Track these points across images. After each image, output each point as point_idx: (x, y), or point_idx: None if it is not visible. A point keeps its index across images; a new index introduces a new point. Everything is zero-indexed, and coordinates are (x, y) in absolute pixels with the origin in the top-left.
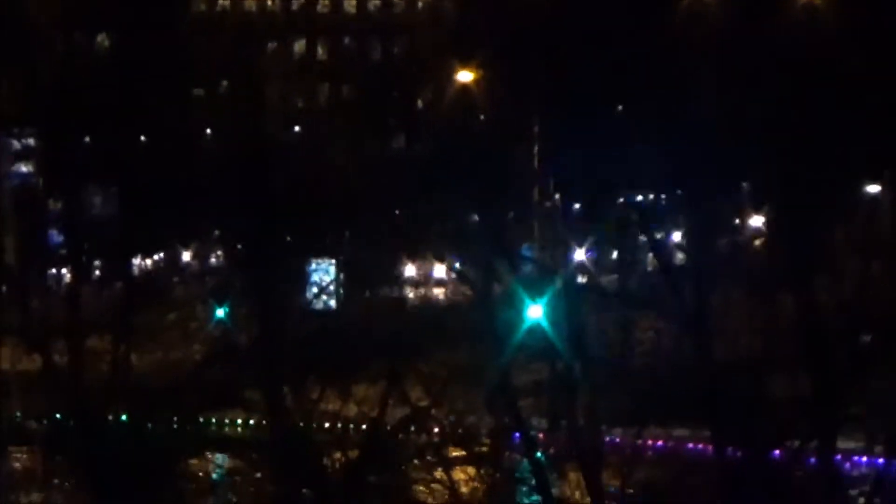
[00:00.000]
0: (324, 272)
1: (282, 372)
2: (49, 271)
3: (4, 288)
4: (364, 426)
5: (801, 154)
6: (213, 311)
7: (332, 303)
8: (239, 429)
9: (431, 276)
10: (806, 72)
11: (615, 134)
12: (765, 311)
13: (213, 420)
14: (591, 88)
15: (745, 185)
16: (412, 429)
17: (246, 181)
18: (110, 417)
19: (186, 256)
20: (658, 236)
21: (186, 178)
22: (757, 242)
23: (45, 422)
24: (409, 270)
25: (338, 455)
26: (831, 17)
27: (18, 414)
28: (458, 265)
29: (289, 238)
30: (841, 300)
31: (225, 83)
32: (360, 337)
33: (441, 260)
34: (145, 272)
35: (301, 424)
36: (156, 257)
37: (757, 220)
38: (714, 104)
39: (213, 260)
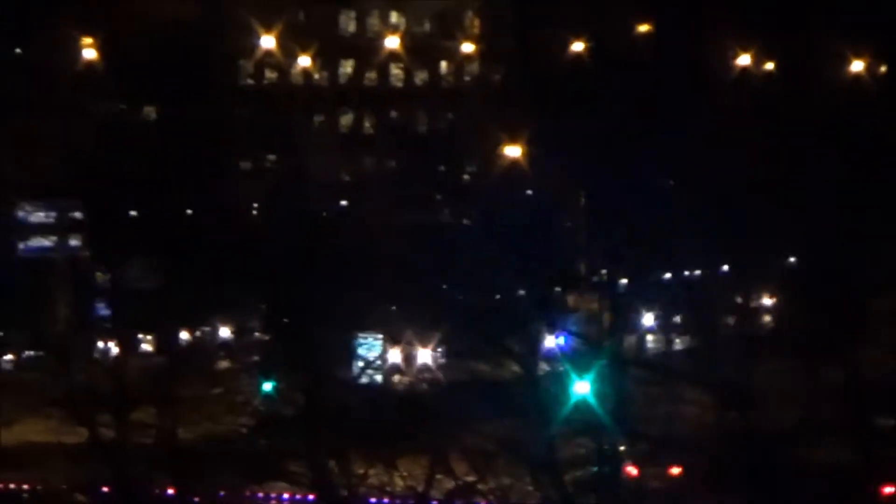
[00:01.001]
0: (371, 347)
1: (327, 444)
2: (95, 343)
3: (51, 360)
4: (410, 501)
5: (846, 224)
6: (259, 384)
7: (378, 377)
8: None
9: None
10: (851, 142)
11: (664, 207)
12: (807, 380)
13: (260, 495)
14: (638, 157)
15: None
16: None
17: (292, 253)
18: (156, 490)
19: (227, 332)
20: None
21: (232, 249)
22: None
23: (90, 494)
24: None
25: None
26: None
27: (64, 487)
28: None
29: (335, 312)
30: (884, 370)
31: (271, 155)
32: (405, 410)
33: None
34: (191, 344)
35: (346, 497)
36: (200, 330)
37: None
38: (760, 174)
39: (256, 333)
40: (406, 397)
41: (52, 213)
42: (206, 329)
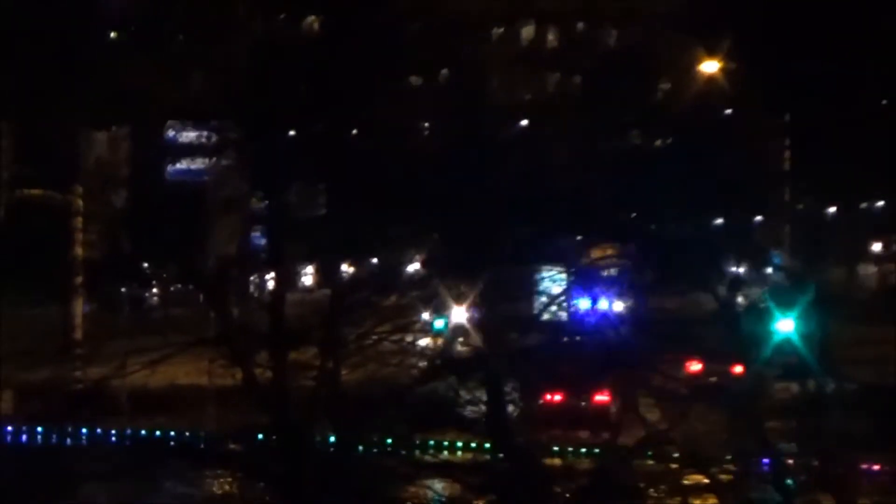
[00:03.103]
0: (554, 282)
1: (506, 390)
2: (251, 276)
3: (202, 294)
4: (595, 450)
5: None
6: (431, 323)
7: (563, 315)
8: (459, 452)
9: None
10: None
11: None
12: None
13: (431, 442)
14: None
15: None
16: (649, 454)
17: (466, 179)
18: (317, 438)
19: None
20: None
21: (401, 175)
22: None
23: (245, 442)
24: None
25: (566, 482)
26: None
27: (217, 433)
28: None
29: (514, 244)
30: None
31: (444, 72)
32: (592, 351)
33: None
34: (356, 278)
35: (525, 445)
36: (366, 263)
37: None
38: None
39: (426, 266)
40: (591, 336)
41: (205, 134)
42: (373, 261)
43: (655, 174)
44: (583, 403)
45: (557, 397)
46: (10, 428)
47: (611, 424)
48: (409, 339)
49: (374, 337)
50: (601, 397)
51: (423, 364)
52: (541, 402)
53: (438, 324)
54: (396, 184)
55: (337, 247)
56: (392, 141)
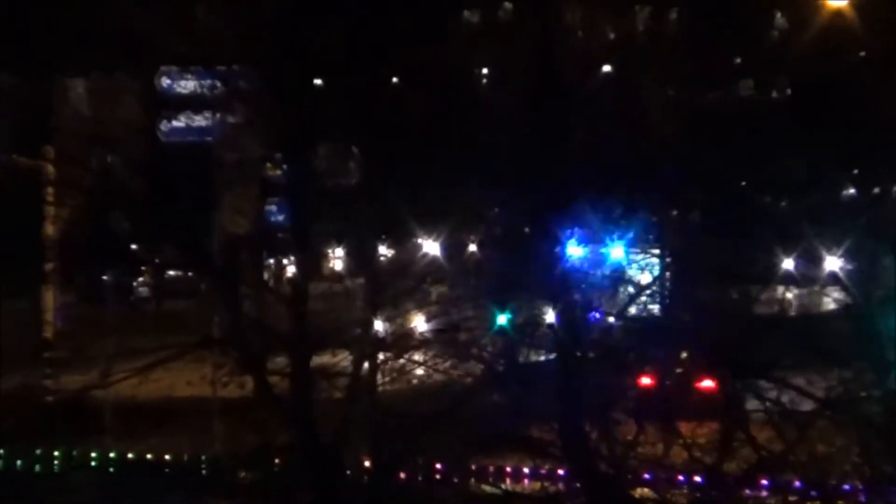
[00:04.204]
0: (644, 267)
1: (585, 402)
2: (265, 260)
3: (206, 285)
4: (696, 478)
5: None
6: (491, 318)
7: (655, 308)
8: (526, 480)
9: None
10: None
11: None
12: None
13: (492, 468)
14: None
15: None
16: (762, 483)
17: (537, 140)
18: (349, 462)
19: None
20: None
21: (455, 135)
22: None
23: (259, 468)
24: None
25: None
26: None
27: (221, 456)
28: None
29: (596, 220)
30: None
31: (508, 5)
32: (692, 354)
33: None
34: (396, 264)
35: (611, 472)
36: (406, 244)
37: None
38: None
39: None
40: (687, 336)
41: (209, 83)
42: (418, 242)
43: (769, 134)
44: (685, 389)
45: (648, 381)
46: None
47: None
48: (463, 338)
49: (420, 336)
50: (707, 383)
51: (480, 370)
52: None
53: (501, 319)
54: (449, 145)
55: (373, 224)
56: (445, 92)
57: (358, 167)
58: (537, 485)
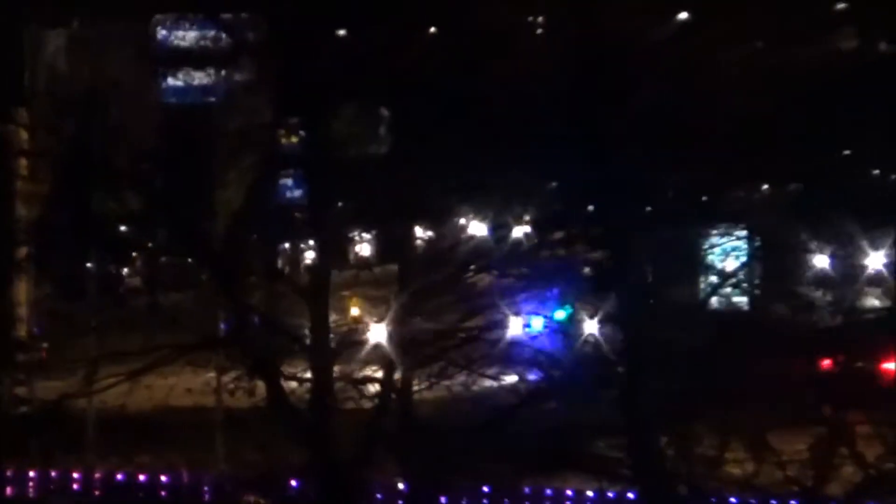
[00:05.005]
0: (728, 252)
1: (655, 411)
2: (278, 245)
3: (208, 273)
4: (791, 502)
5: None
6: (547, 313)
7: (744, 299)
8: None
9: None
10: None
11: None
12: None
13: (548, 491)
14: None
15: None
16: None
17: (600, 100)
18: (377, 484)
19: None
20: None
21: (502, 95)
22: None
23: (271, 490)
24: None
25: None
26: None
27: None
28: None
29: (671, 196)
30: None
31: None
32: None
33: None
34: (433, 248)
35: (690, 495)
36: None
37: None
38: None
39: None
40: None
41: (212, 35)
42: (458, 223)
43: (875, 93)
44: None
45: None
46: None
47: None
48: (512, 337)
49: (462, 335)
50: (889, 364)
51: (533, 375)
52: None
53: (558, 315)
54: (495, 108)
55: (406, 201)
56: (489, 44)
57: (387, 133)
58: None
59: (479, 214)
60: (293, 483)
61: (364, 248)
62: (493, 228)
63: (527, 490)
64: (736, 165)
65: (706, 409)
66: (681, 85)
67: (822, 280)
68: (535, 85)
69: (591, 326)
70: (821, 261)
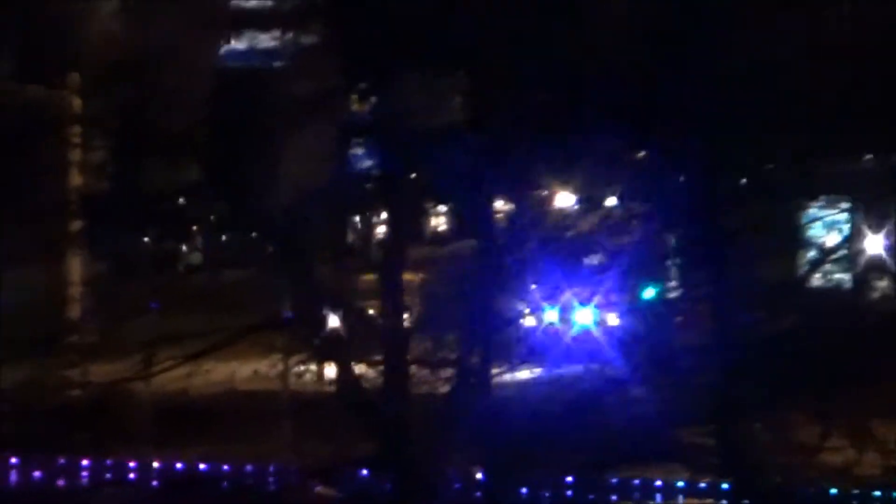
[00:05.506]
0: (830, 226)
1: (748, 396)
2: (349, 220)
3: (272, 250)
4: None
5: None
6: (633, 289)
7: (846, 276)
8: (680, 498)
9: None
10: None
11: None
12: None
13: (636, 481)
14: None
15: None
16: None
17: (674, 66)
18: (455, 475)
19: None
20: None
21: (599, 44)
22: None
23: (341, 482)
24: None
25: None
26: None
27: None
28: None
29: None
30: None
31: None
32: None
33: None
34: (517, 222)
35: (786, 486)
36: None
37: None
38: None
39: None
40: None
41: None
42: (544, 195)
43: None
44: None
45: None
46: None
47: None
48: (598, 315)
49: (546, 315)
50: None
51: (618, 356)
52: None
53: (648, 293)
54: (579, 71)
55: (487, 170)
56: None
57: (466, 98)
58: (694, 502)
59: (567, 185)
60: (364, 474)
61: (440, 223)
62: (581, 200)
63: (613, 481)
64: (837, 134)
65: (803, 394)
66: (778, 49)
67: None
68: (620, 47)
69: (679, 306)
70: None
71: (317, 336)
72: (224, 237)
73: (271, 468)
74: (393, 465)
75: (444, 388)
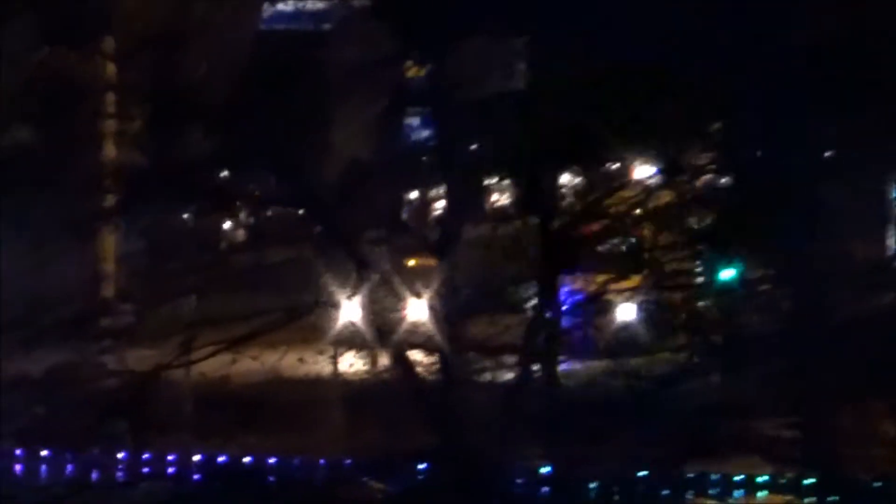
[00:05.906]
0: None
1: (832, 386)
2: (402, 195)
3: (321, 227)
4: None
5: None
6: (710, 269)
7: None
8: (761, 493)
9: None
10: None
11: None
12: None
13: (714, 476)
14: None
15: None
16: None
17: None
18: (517, 469)
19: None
20: None
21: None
22: None
23: (396, 476)
24: None
25: None
26: None
27: (345, 461)
28: None
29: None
30: None
31: None
32: None
33: None
34: (583, 197)
35: (876, 481)
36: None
37: None
38: None
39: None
40: None
41: None
42: (610, 167)
43: None
44: None
45: None
46: None
47: None
48: (672, 298)
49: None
50: None
51: (692, 341)
52: None
53: (726, 274)
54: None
55: (550, 142)
56: None
57: (528, 63)
58: (778, 499)
59: (641, 156)
60: (420, 467)
61: (502, 198)
62: (660, 172)
63: (689, 475)
64: None
65: (890, 383)
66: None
67: None
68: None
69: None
70: None
71: (368, 320)
72: (269, 213)
73: (321, 461)
74: (452, 459)
75: (507, 377)
